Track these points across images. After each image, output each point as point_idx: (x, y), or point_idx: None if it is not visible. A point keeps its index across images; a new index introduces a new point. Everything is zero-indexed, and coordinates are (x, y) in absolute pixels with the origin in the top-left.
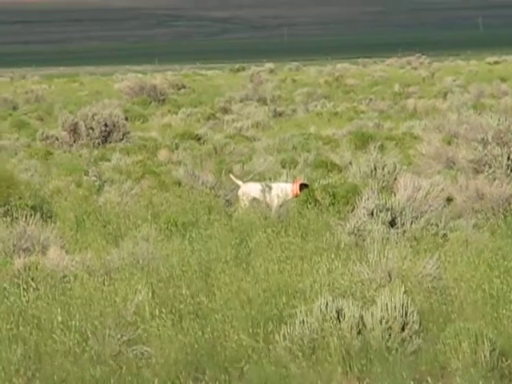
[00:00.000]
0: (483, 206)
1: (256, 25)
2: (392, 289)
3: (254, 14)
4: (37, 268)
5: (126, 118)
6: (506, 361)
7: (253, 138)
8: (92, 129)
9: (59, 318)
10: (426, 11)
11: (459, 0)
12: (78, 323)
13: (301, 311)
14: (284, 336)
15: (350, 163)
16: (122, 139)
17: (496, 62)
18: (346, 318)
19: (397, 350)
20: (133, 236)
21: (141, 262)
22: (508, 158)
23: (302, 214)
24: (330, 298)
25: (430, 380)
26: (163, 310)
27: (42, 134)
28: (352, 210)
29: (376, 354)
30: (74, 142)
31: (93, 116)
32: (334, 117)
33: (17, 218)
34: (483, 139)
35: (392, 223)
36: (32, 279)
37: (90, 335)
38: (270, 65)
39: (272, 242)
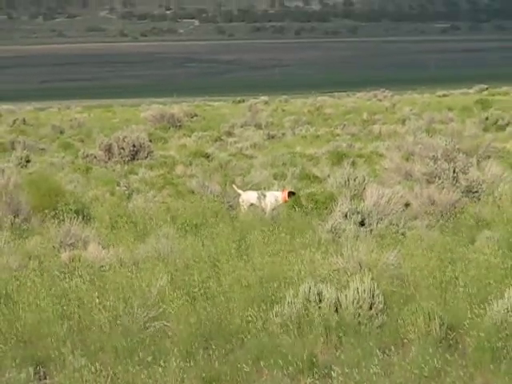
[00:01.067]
0: (434, 209)
1: (255, 66)
2: (362, 276)
3: (253, 57)
4: (79, 260)
5: (150, 140)
6: (453, 333)
7: (251, 155)
8: (123, 149)
9: (97, 300)
10: (389, 56)
11: (414, 46)
12: (111, 303)
13: (289, 294)
14: (276, 314)
15: (328, 176)
16: (147, 157)
17: (444, 95)
18: (325, 300)
19: (366, 324)
20: (155, 234)
21: (162, 254)
22: (454, 171)
23: (290, 216)
24: (313, 284)
25: (392, 348)
26: (180, 293)
27: (83, 153)
28: (330, 213)
29: (349, 328)
30: (109, 159)
31: (123, 138)
32: (315, 139)
33: (63, 220)
34: (434, 156)
35: (362, 223)
36: (75, 268)
37: (121, 313)
38: (264, 97)
39: (266, 238)
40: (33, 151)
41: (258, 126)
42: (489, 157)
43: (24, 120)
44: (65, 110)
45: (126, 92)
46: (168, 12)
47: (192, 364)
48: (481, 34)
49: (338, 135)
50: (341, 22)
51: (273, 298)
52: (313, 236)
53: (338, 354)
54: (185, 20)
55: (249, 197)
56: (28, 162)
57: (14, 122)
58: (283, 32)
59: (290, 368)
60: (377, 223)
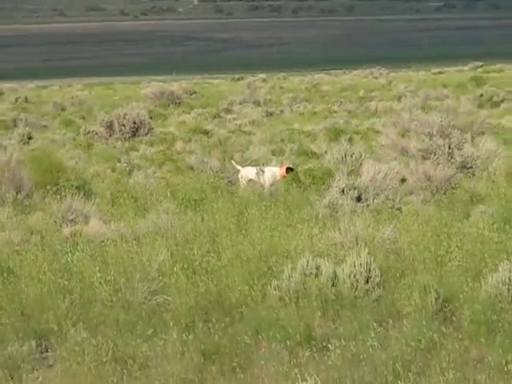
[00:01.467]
0: (429, 185)
1: (252, 44)
2: (358, 250)
3: (250, 36)
4: (81, 235)
5: (150, 117)
6: (448, 306)
7: (249, 132)
8: (124, 126)
9: (98, 274)
10: (384, 34)
11: (409, 24)
12: (113, 278)
13: (287, 268)
14: (275, 288)
15: (326, 152)
16: (147, 134)
17: (440, 72)
18: (323, 274)
19: (362, 298)
20: (156, 209)
21: (162, 229)
22: (449, 147)
23: (288, 191)
24: (310, 258)
25: (389, 321)
26: (180, 267)
27: (84, 129)
28: (327, 189)
29: (346, 302)
30: (110, 136)
31: (124, 116)
32: (312, 116)
33: (65, 196)
34: (429, 133)
35: (358, 199)
36: (77, 243)
37: (122, 287)
38: (262, 75)
39: (264, 213)
40: (35, 128)
41: (257, 103)
42: (483, 133)
43: (26, 98)
44: (66, 87)
45: (126, 70)
46: None
47: (192, 337)
48: (475, 12)
49: (335, 112)
50: (337, 1)
51: (271, 272)
52: (310, 211)
53: (335, 327)
54: None
55: (247, 172)
56: (30, 138)
57: (16, 99)
58: (280, 11)
59: (288, 341)
60: (373, 198)
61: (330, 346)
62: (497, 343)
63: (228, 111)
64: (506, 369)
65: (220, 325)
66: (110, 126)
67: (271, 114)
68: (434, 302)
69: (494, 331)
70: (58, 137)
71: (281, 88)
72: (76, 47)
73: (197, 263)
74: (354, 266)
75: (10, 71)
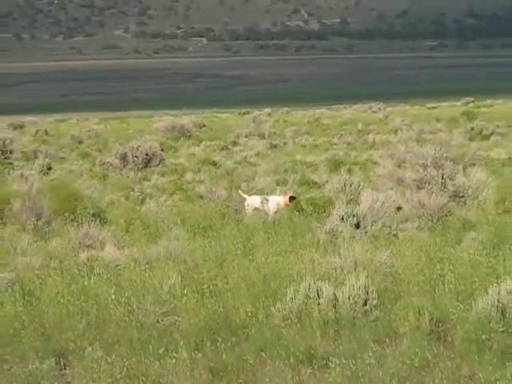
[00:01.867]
0: (424, 212)
1: (258, 80)
2: (357, 274)
3: (256, 73)
4: (97, 259)
5: (162, 149)
6: (441, 327)
7: (255, 163)
8: (137, 157)
9: (113, 296)
10: (382, 71)
11: (405, 62)
12: (126, 300)
13: (290, 291)
14: (278, 309)
15: (326, 181)
16: (159, 165)
17: (433, 107)
18: (324, 296)
19: (361, 319)
20: (167, 236)
21: (173, 254)
22: (442, 178)
23: (291, 219)
24: (312, 281)
25: (386, 341)
26: (189, 289)
27: (100, 161)
28: (328, 216)
29: (346, 322)
30: (124, 167)
31: (137, 148)
32: (314, 148)
33: (82, 223)
34: (424, 164)
35: (357, 225)
36: (93, 267)
37: (135, 308)
38: (267, 110)
39: (269, 239)
40: (54, 160)
41: (262, 136)
42: (474, 164)
43: (46, 131)
44: (83, 121)
45: (139, 105)
46: (178, 31)
47: (201, 356)
48: (467, 51)
49: (335, 144)
50: (338, 40)
51: (275, 294)
52: (312, 237)
53: (335, 346)
54: (194, 38)
55: (253, 201)
56: (49, 169)
57: (37, 132)
58: (285, 49)
59: (291, 359)
60: (371, 225)
61: (330, 363)
62: (487, 361)
63: (235, 143)
64: None
65: (227, 344)
66: (124, 158)
67: (275, 146)
68: (427, 322)
69: (484, 350)
70: (75, 168)
71: (284, 122)
72: (92, 83)
73: (205, 286)
74: (353, 288)
75: (31, 105)
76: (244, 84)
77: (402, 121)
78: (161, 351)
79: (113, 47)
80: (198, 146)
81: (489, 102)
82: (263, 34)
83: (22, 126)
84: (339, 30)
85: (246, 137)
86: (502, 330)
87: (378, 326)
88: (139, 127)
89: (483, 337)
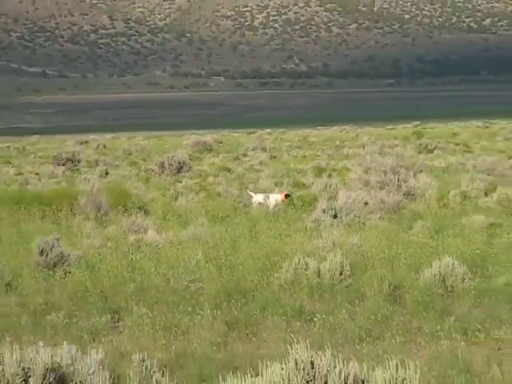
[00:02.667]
0: (384, 207)
1: (262, 108)
2: (335, 252)
3: (260, 102)
4: (141, 241)
5: (190, 159)
6: (397, 291)
7: (259, 170)
8: (171, 165)
9: (153, 268)
10: (354, 102)
11: (371, 95)
12: (163, 271)
13: (285, 264)
14: (276, 278)
15: (312, 183)
16: (188, 171)
17: (391, 129)
18: (310, 268)
19: (338, 285)
20: (194, 223)
21: (198, 237)
22: (398, 181)
23: (286, 211)
24: (301, 257)
25: (356, 301)
26: (210, 263)
27: (144, 168)
28: (313, 209)
29: (326, 288)
30: (162, 172)
31: (172, 158)
32: (303, 158)
33: (130, 214)
34: (384, 170)
35: (335, 216)
36: (139, 247)
37: (170, 277)
38: (268, 130)
39: (269, 226)
40: (110, 167)
41: (264, 150)
42: (421, 171)
43: (104, 145)
44: (132, 138)
45: (174, 126)
46: (203, 71)
47: (219, 312)
48: (416, 87)
49: (318, 156)
50: (321, 79)
51: (274, 267)
52: (301, 225)
53: (318, 305)
54: (214, 77)
55: (258, 198)
56: (107, 174)
57: (98, 146)
58: (281, 85)
59: (286, 315)
60: (345, 216)
61: (314, 318)
62: (430, 317)
63: (244, 155)
64: (436, 334)
65: (238, 304)
66: (162, 165)
67: (274, 157)
68: (387, 288)
69: (428, 308)
70: (126, 173)
71: (281, 139)
72: (139, 110)
73: (222, 261)
74: (332, 262)
75: (93, 126)
76: (251, 111)
77: (368, 138)
78: (189, 309)
79: (154, 84)
80: (217, 157)
81: (432, 125)
82: (265, 74)
83: (86, 142)
84: (322, 71)
85: (253, 150)
86: (442, 293)
87: (350, 291)
88: (173, 143)
89: (428, 299)
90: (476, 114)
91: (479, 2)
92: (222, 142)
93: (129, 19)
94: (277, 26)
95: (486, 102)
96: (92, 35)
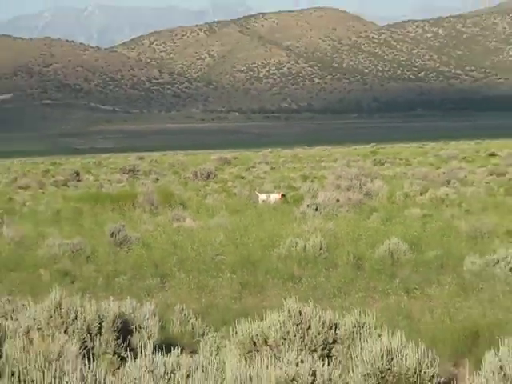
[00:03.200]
0: (350, 203)
1: (265, 135)
2: (316, 234)
3: (265, 131)
4: (181, 226)
5: (215, 170)
6: (360, 261)
7: (263, 177)
8: (202, 174)
9: (189, 246)
10: (330, 130)
11: (342, 125)
12: (196, 247)
13: (281, 243)
14: (275, 252)
15: (300, 187)
16: (214, 178)
17: (355, 149)
18: (299, 246)
19: (318, 257)
20: (218, 215)
21: (221, 224)
22: (360, 185)
23: (282, 206)
24: (293, 238)
25: (331, 269)
26: (229, 242)
27: (183, 176)
28: (301, 205)
29: (310, 259)
30: (195, 178)
31: (203, 169)
32: (294, 169)
33: (173, 208)
34: (350, 177)
35: (316, 209)
36: (179, 231)
37: (201, 252)
38: (269, 149)
39: (270, 217)
40: (159, 175)
41: (267, 163)
42: (376, 177)
43: (156, 160)
44: (175, 155)
45: (203, 147)
46: (223, 109)
47: (236, 276)
48: (373, 119)
49: (304, 167)
50: (306, 114)
51: (273, 245)
52: (292, 216)
53: (305, 272)
54: (232, 112)
55: (262, 197)
56: (157, 180)
57: (151, 161)
58: (279, 119)
59: (282, 278)
60: (323, 209)
61: (302, 281)
62: (383, 279)
63: (253, 167)
64: (386, 292)
65: (249, 270)
66: (195, 174)
67: (274, 168)
68: (352, 259)
69: (381, 274)
70: (170, 179)
71: (279, 156)
72: (179, 137)
73: (237, 240)
74: (314, 242)
75: (147, 147)
76: (258, 137)
77: (339, 155)
78: (214, 274)
79: (190, 117)
80: (234, 168)
81: (383, 146)
82: (268, 110)
83: (142, 158)
84: (307, 108)
85: (259, 163)
86: (390, 263)
87: (326, 261)
88: (203, 158)
89: (381, 267)
90: (414, 138)
91: (416, 60)
92: (237, 158)
93: (172, 72)
94: (275, 77)
95: (420, 130)
96: (147, 83)
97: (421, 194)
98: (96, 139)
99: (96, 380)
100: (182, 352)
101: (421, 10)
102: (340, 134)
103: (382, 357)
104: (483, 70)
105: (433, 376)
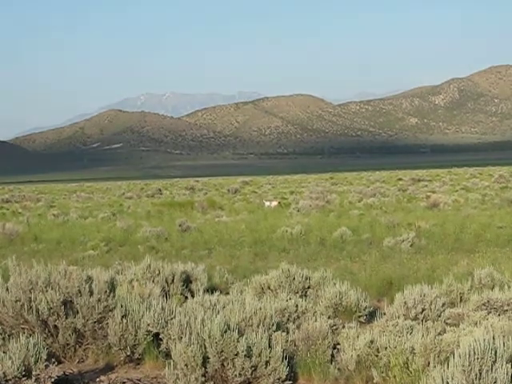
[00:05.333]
0: (318, 207)
1: (270, 167)
2: (298, 225)
3: (264, 164)
4: (220, 221)
5: (239, 188)
6: (323, 241)
7: (267, 192)
8: (231, 190)
9: (225, 231)
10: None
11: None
12: (228, 232)
13: (278, 230)
14: (274, 235)
15: (288, 198)
16: (239, 192)
17: (320, 176)
18: (288, 231)
19: (299, 238)
20: (240, 213)
21: (243, 219)
22: (323, 197)
23: (278, 209)
24: (284, 227)
25: (307, 245)
26: (248, 229)
27: (221, 191)
28: (289, 209)
29: (294, 239)
30: (228, 193)
31: (232, 187)
32: (284, 188)
33: (215, 210)
34: (317, 192)
35: (298, 211)
36: (219, 223)
37: (231, 235)
38: (270, 176)
39: (272, 215)
40: (207, 191)
41: (269, 184)
42: (332, 192)
43: (205, 182)
44: (215, 179)
45: (232, 173)
46: (244, 152)
47: (251, 250)
48: (332, 159)
49: (291, 186)
50: (292, 155)
51: (274, 231)
52: (284, 214)
53: (291, 247)
54: (250, 155)
55: (267, 203)
56: (206, 193)
57: (202, 183)
58: (277, 158)
59: (278, 251)
60: (302, 210)
61: (289, 252)
62: (336, 251)
63: (261, 186)
64: (338, 258)
65: (259, 246)
66: (228, 190)
67: (273, 187)
68: (319, 239)
69: (335, 248)
70: (214, 193)
71: (277, 180)
72: (221, 169)
73: (252, 228)
74: (296, 229)
75: (200, 175)
76: (264, 169)
77: (311, 180)
78: (239, 248)
79: (225, 157)
80: (250, 187)
81: (338, 174)
82: (270, 153)
83: (197, 181)
84: (293, 152)
85: (265, 184)
86: (341, 242)
87: (304, 241)
88: (232, 181)
89: (335, 244)
90: (354, 169)
91: (355, 125)
92: (252, 181)
93: (215, 131)
94: (274, 134)
95: (358, 165)
96: (200, 138)
97: (358, 202)
98: (170, 170)
99: (170, 310)
100: (220, 293)
101: (358, 95)
102: (312, 167)
103: (336, 296)
104: (394, 130)
105: (365, 307)
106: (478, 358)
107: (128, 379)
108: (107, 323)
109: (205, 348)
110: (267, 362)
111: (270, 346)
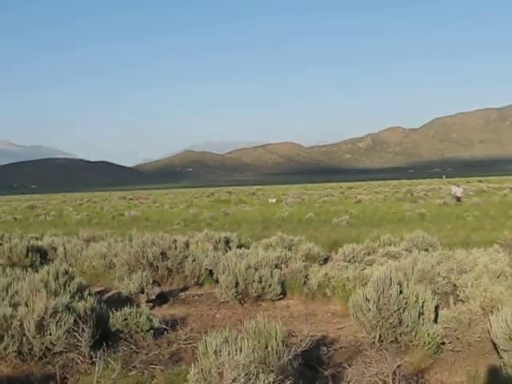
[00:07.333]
0: (297, 202)
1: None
2: (287, 212)
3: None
4: (244, 209)
5: (255, 192)
6: (300, 220)
7: (269, 195)
8: (250, 193)
9: (246, 215)
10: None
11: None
12: (248, 216)
13: (276, 214)
14: (274, 217)
15: (281, 197)
16: (255, 194)
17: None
18: (282, 215)
19: (287, 219)
20: (255, 205)
21: (257, 209)
22: (301, 197)
23: (277, 203)
24: (280, 213)
25: (294, 224)
26: (259, 215)
27: (236, 201)
28: (282, 202)
29: (285, 220)
30: (249, 195)
31: (251, 191)
32: (282, 194)
33: (241, 204)
34: (296, 194)
35: (286, 204)
36: (244, 211)
37: (250, 217)
38: (271, 186)
39: (273, 206)
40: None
41: (273, 192)
42: (305, 195)
43: (230, 190)
44: (244, 190)
45: (251, 184)
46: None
47: (260, 225)
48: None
49: (283, 192)
50: (283, 175)
51: (274, 215)
52: (280, 206)
53: (283, 224)
54: (260, 174)
55: (270, 200)
56: (237, 195)
57: (235, 193)
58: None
59: (276, 226)
60: (289, 204)
61: (282, 227)
62: (306, 226)
63: (269, 195)
64: (308, 230)
65: (265, 223)
66: (249, 193)
67: (273, 192)
68: (297, 220)
69: (306, 224)
70: (242, 196)
71: (276, 189)
72: (247, 182)
73: (262, 213)
74: (286, 214)
75: (240, 183)
76: (268, 182)
77: (294, 189)
78: (254, 224)
79: (247, 176)
80: (261, 191)
81: (308, 184)
82: (269, 173)
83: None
84: (284, 173)
85: (269, 192)
86: (310, 221)
87: (291, 221)
88: (250, 189)
89: (306, 222)
90: (319, 183)
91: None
92: (260, 190)
93: (241, 161)
94: (272, 164)
95: (318, 181)
96: (235, 165)
97: (319, 199)
98: (218, 182)
99: (218, 257)
100: (244, 248)
101: (320, 141)
102: (297, 183)
103: (307, 249)
104: (338, 160)
105: (322, 256)
106: (382, 282)
107: (196, 294)
108: (185, 264)
109: (236, 277)
110: (270, 285)
111: (271, 276)
